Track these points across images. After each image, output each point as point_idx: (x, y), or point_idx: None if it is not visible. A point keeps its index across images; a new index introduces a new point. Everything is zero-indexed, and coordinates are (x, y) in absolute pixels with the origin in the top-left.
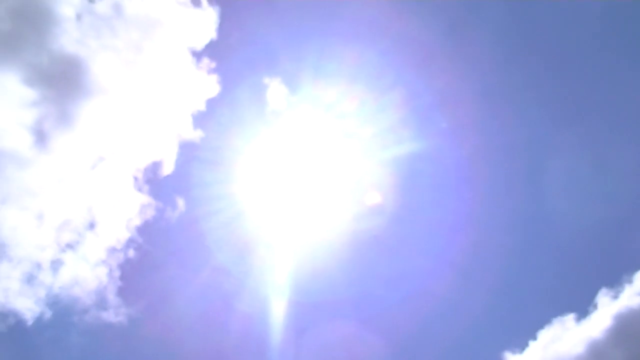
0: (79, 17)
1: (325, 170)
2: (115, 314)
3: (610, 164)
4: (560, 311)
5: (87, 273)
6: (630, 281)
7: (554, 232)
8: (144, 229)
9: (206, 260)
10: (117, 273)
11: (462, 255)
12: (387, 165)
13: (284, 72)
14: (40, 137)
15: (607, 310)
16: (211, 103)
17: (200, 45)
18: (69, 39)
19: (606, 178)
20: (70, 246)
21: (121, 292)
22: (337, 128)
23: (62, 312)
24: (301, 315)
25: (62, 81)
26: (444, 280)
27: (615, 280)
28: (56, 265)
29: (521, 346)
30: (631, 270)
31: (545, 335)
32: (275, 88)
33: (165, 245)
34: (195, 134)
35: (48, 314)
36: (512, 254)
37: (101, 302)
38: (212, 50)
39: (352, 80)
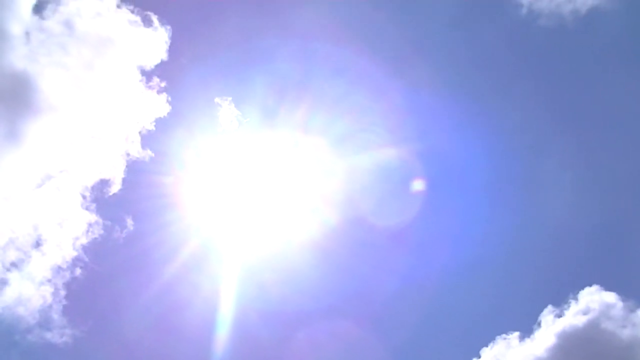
0: (27, 34)
1: (277, 187)
2: (60, 335)
3: (560, 185)
4: (505, 329)
5: (31, 292)
6: (576, 299)
7: (500, 249)
8: (91, 248)
9: (154, 279)
10: (62, 292)
11: (405, 271)
12: (342, 177)
13: (235, 92)
14: None
15: (551, 328)
16: (161, 122)
17: (150, 64)
18: (17, 56)
19: (555, 196)
20: (15, 265)
21: (66, 311)
22: (289, 146)
23: (5, 332)
24: (255, 325)
25: (9, 99)
26: (386, 295)
27: (561, 299)
28: (0, 284)
29: None
30: (577, 289)
31: (488, 353)
32: (226, 108)
33: (113, 265)
34: (144, 153)
35: None
36: (456, 270)
37: (45, 322)
38: (162, 69)
39: (303, 98)
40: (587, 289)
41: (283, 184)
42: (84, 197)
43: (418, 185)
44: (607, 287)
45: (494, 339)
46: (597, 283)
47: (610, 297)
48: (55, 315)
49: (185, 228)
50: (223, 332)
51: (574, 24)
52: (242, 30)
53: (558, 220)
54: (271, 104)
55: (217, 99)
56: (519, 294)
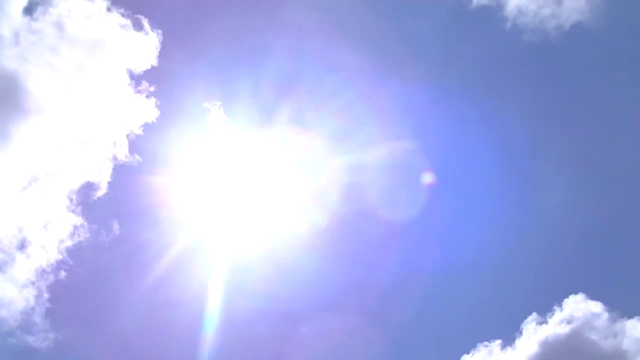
0: (17, 35)
1: (266, 191)
2: (42, 338)
3: (546, 193)
4: (487, 337)
5: (14, 294)
6: (560, 307)
7: (484, 255)
8: (76, 251)
9: (139, 284)
10: (46, 295)
11: (389, 274)
12: (333, 177)
13: (225, 96)
14: None
15: (534, 337)
16: (149, 127)
17: (140, 68)
18: (6, 57)
19: (543, 203)
20: None
21: (49, 315)
22: (278, 151)
23: None
24: (242, 325)
25: None
26: (368, 300)
27: (546, 307)
28: None
29: None
30: (562, 296)
31: None
32: (215, 113)
33: (98, 268)
34: (131, 157)
35: None
36: (437, 275)
37: (27, 325)
38: (152, 74)
39: (293, 104)
40: (573, 297)
41: (272, 187)
42: (70, 199)
43: (412, 182)
44: (593, 296)
45: (476, 346)
46: (583, 291)
47: (596, 306)
48: (38, 319)
49: (171, 233)
50: (210, 334)
51: (557, 39)
52: (232, 36)
53: (545, 226)
54: (261, 109)
55: (206, 104)
56: (502, 300)
